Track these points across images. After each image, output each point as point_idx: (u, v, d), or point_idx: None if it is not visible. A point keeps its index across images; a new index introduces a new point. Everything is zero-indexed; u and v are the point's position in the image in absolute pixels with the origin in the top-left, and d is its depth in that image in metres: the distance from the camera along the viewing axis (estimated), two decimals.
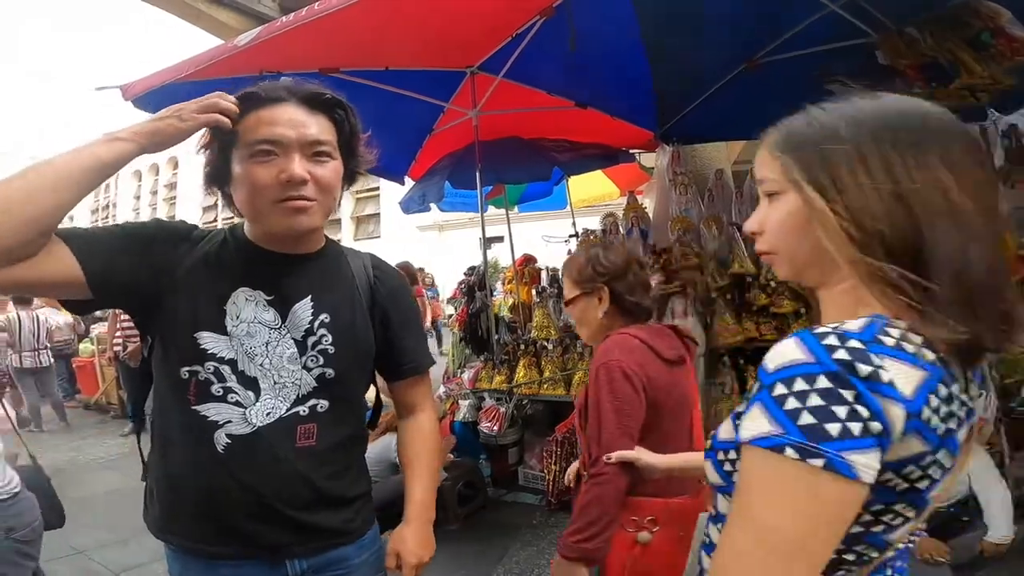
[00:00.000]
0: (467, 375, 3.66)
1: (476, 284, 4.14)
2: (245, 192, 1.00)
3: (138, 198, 28.97)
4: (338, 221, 22.54)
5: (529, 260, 5.63)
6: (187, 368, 1.01)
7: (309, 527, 1.06)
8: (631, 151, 5.29)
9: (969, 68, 3.00)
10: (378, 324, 1.16)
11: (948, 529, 2.42)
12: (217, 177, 1.05)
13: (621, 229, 4.10)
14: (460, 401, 3.58)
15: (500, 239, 6.36)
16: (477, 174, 4.03)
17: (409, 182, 5.47)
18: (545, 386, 3.38)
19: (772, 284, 3.36)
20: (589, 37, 3.59)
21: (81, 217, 31.72)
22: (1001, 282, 0.62)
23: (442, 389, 3.74)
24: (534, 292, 3.94)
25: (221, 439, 1.00)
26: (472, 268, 4.57)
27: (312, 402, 1.06)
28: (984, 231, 0.62)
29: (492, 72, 4.24)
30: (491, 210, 6.27)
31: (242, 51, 2.94)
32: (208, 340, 1.01)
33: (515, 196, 6.50)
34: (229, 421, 1.01)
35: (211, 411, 1.01)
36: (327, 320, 1.08)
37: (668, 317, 3.25)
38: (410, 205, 5.11)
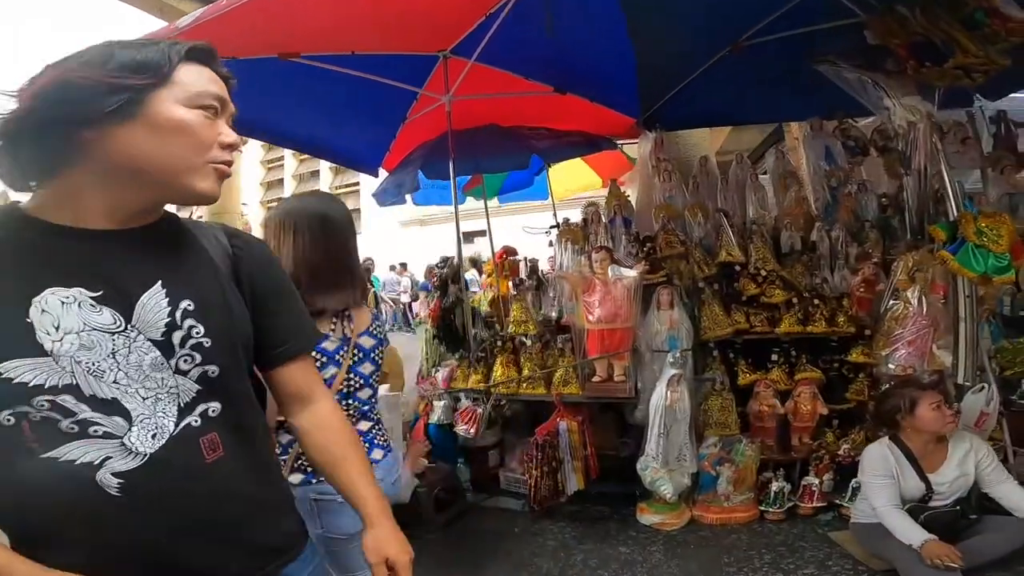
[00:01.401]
0: (441, 374, 3.45)
1: (449, 277, 3.91)
2: (178, 141, 0.83)
3: None
4: None
5: (510, 252, 5.44)
6: (8, 412, 0.77)
7: (251, 548, 0.94)
8: (613, 139, 5.12)
9: (964, 47, 2.88)
10: (249, 302, 0.98)
11: (955, 530, 2.29)
12: (101, 101, 0.78)
13: (604, 218, 3.92)
14: (434, 402, 3.37)
15: (483, 233, 6.16)
16: (451, 163, 3.81)
17: (384, 174, 5.24)
18: (524, 385, 3.18)
19: (762, 273, 3.20)
20: (568, 19, 3.40)
21: None
22: (323, 286, 1.45)
23: (416, 390, 3.53)
24: (510, 285, 3.74)
25: (109, 481, 0.80)
26: (445, 260, 4.32)
27: (201, 408, 0.88)
28: (324, 264, 1.46)
29: (467, 56, 4.03)
30: (473, 203, 6.07)
31: (184, 33, 2.66)
32: (21, 370, 0.77)
33: (495, 187, 6.30)
34: (108, 458, 0.81)
35: (75, 453, 0.80)
36: (191, 307, 0.88)
37: (653, 309, 3.07)
38: (384, 197, 4.88)
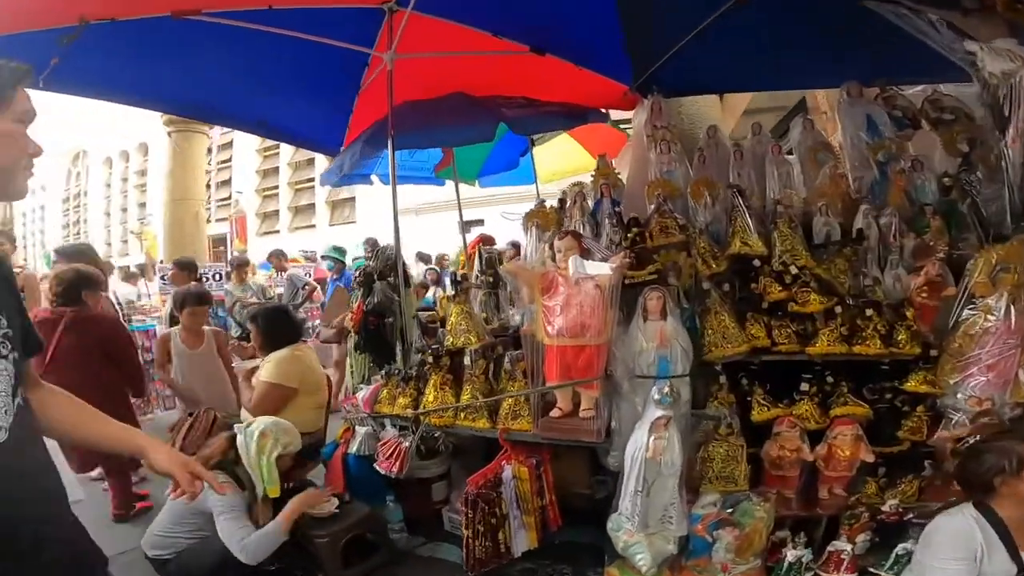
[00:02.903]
0: (362, 394, 2.69)
1: (376, 271, 3.10)
2: (5, 148, 1.02)
3: (109, 185, 28.06)
4: (312, 206, 21.84)
5: (486, 241, 4.71)
6: None
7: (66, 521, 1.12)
8: (603, 110, 4.34)
9: None
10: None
11: None
12: None
13: (589, 200, 3.13)
14: (357, 428, 2.62)
15: (480, 222, 5.45)
16: (388, 133, 3.07)
17: None
18: (463, 414, 2.41)
19: (791, 271, 2.39)
20: None
21: (52, 208, 30.60)
22: None
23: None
24: (447, 282, 2.96)
25: None
26: (377, 250, 3.46)
27: (20, 391, 1.06)
28: None
29: (417, 7, 3.30)
30: (473, 191, 5.39)
31: None
32: None
33: (473, 169, 5.55)
34: None
35: None
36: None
37: (638, 319, 2.26)
38: (327, 177, 4.24)
